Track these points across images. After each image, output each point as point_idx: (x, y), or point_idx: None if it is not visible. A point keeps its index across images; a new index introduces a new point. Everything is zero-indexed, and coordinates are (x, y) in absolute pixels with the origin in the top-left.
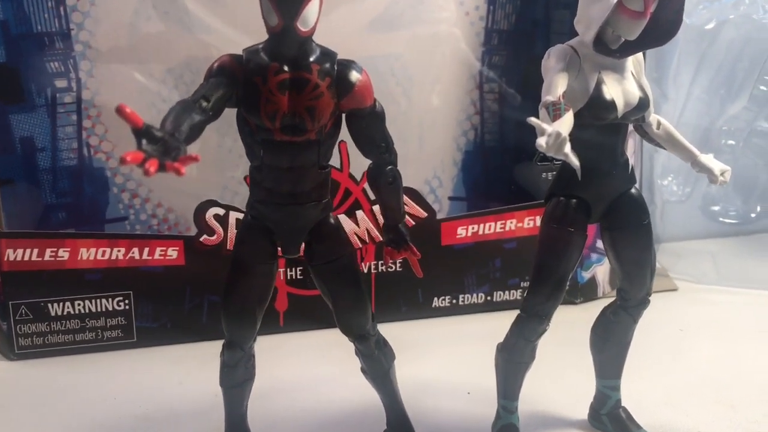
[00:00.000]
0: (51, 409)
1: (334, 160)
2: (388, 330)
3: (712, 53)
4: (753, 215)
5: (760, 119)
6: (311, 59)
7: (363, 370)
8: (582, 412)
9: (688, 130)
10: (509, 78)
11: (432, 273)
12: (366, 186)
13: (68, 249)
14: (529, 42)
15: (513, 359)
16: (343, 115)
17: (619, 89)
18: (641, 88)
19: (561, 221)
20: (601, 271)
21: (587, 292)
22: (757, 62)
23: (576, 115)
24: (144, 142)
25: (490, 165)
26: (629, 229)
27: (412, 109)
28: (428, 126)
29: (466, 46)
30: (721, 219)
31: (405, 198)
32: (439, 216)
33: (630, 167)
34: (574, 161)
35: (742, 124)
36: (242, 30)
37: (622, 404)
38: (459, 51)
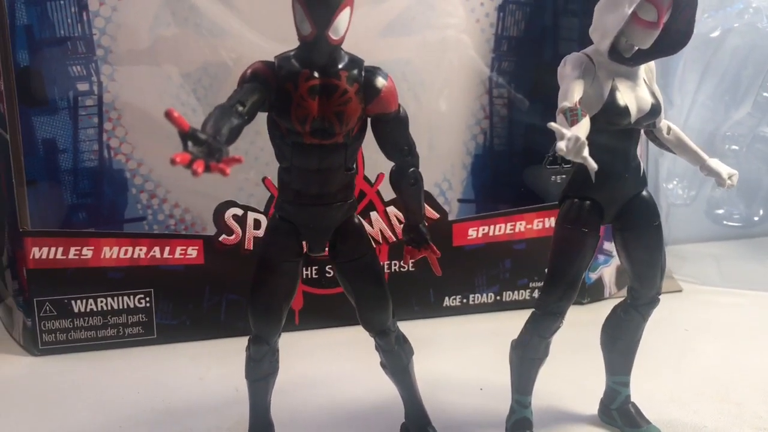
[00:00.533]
0: (74, 404)
1: None
2: (401, 328)
3: (716, 60)
4: (756, 218)
5: (764, 125)
6: (340, 66)
7: (383, 365)
8: (592, 408)
9: (693, 135)
10: (518, 84)
11: (443, 273)
12: (380, 188)
13: (92, 247)
14: (538, 48)
15: (527, 355)
16: (368, 120)
17: (633, 96)
18: (653, 94)
19: (575, 222)
20: (608, 272)
21: (594, 292)
22: (761, 69)
23: (591, 121)
24: (190, 144)
25: (498, 169)
26: (640, 230)
27: (422, 113)
28: (438, 130)
29: (475, 52)
30: (725, 222)
31: None
32: (450, 217)
33: (642, 170)
34: (593, 164)
35: (746, 129)
36: (259, 36)
37: (631, 400)
38: (468, 57)
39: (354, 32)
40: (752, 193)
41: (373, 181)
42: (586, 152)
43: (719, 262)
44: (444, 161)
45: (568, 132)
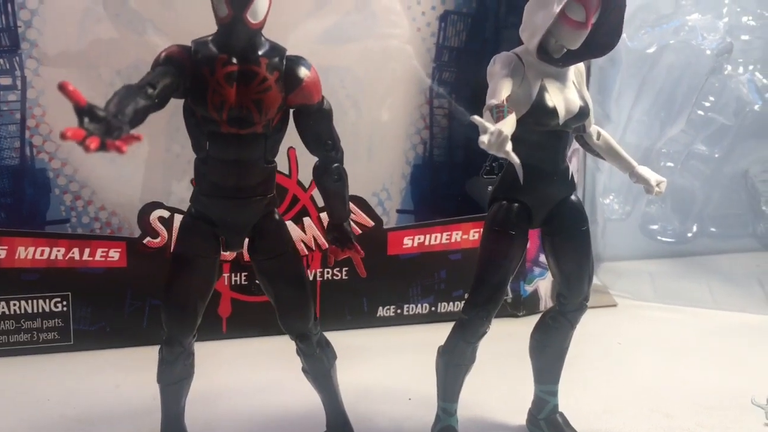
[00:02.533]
0: None
1: (283, 167)
2: (333, 338)
3: (652, 77)
4: (689, 234)
5: (697, 142)
6: (260, 53)
7: (304, 370)
8: (520, 418)
9: (629, 150)
10: (459, 94)
11: (377, 282)
12: (314, 193)
13: (5, 247)
14: (479, 60)
15: (453, 361)
16: (291, 112)
17: (561, 97)
18: (582, 97)
19: (503, 224)
20: (544, 285)
21: (530, 305)
22: (695, 87)
23: (519, 121)
24: (86, 120)
25: (438, 179)
26: (569, 234)
27: (362, 122)
28: (378, 139)
29: (417, 62)
30: (659, 237)
31: (352, 206)
32: (385, 226)
33: (570, 174)
34: (515, 159)
35: (681, 146)
36: (193, 31)
37: (560, 410)
38: (410, 66)
39: (292, 37)
40: (686, 210)
41: (306, 186)
42: (509, 147)
43: (654, 278)
44: (383, 170)
45: (491, 126)
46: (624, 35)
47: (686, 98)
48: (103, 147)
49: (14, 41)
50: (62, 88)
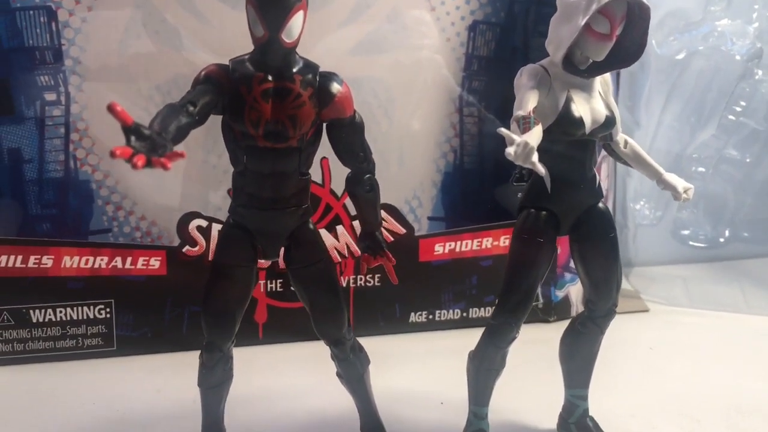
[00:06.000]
0: (28, 415)
1: (317, 176)
2: (366, 343)
3: (682, 82)
4: (722, 240)
5: (729, 147)
6: (294, 70)
7: (338, 375)
8: (552, 422)
9: (660, 156)
10: (488, 102)
11: (409, 289)
12: (347, 202)
13: (52, 256)
14: (508, 68)
15: (484, 366)
16: (324, 125)
17: (587, 107)
18: (608, 107)
19: (531, 232)
20: (575, 290)
21: (561, 310)
22: (725, 92)
23: (546, 131)
24: (133, 138)
25: (468, 187)
26: (596, 241)
27: (393, 131)
28: (409, 147)
29: (447, 71)
30: (691, 243)
31: (384, 214)
32: (417, 233)
33: (597, 182)
34: (541, 169)
35: (712, 151)
36: (231, 48)
37: (590, 414)
38: (440, 76)
39: (323, 48)
40: (718, 215)
41: (339, 195)
42: (535, 158)
43: (686, 283)
44: (414, 178)
45: (517, 138)
46: (653, 42)
47: (716, 103)
48: (149, 164)
49: (59, 58)
50: (111, 108)
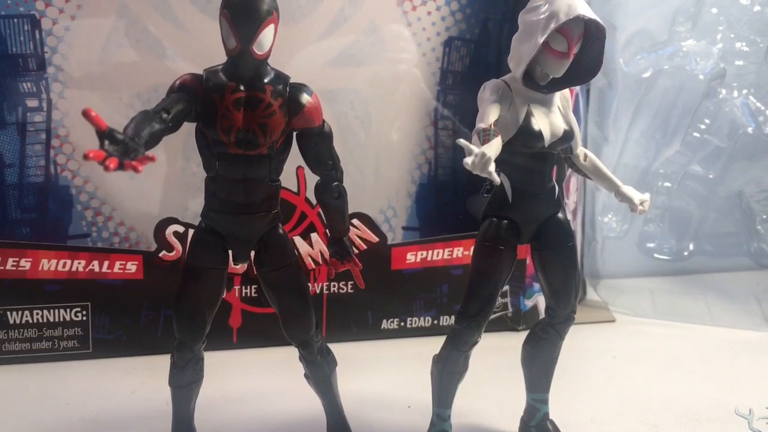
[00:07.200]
0: (1, 414)
1: (292, 185)
2: (339, 349)
3: (648, 100)
4: (686, 253)
5: (693, 163)
6: (266, 80)
7: (306, 376)
8: (514, 425)
9: (627, 171)
10: (462, 116)
11: (382, 296)
12: (321, 210)
13: (30, 259)
14: (482, 83)
15: (447, 369)
16: (294, 134)
17: (546, 121)
18: (567, 121)
19: (492, 240)
20: (543, 300)
21: (529, 320)
22: (689, 110)
23: (508, 144)
24: (106, 143)
25: (442, 198)
26: (555, 249)
27: (370, 142)
28: (385, 158)
29: (424, 85)
30: (656, 255)
31: (358, 223)
32: (391, 242)
33: (557, 193)
34: (497, 179)
35: (677, 167)
36: (210, 57)
37: (551, 418)
38: (417, 90)
39: (302, 60)
40: (683, 229)
41: (314, 203)
42: (491, 168)
43: (653, 295)
44: (389, 188)
45: (475, 149)
46: (620, 60)
47: (681, 121)
48: (121, 167)
49: (41, 66)
50: (85, 113)
